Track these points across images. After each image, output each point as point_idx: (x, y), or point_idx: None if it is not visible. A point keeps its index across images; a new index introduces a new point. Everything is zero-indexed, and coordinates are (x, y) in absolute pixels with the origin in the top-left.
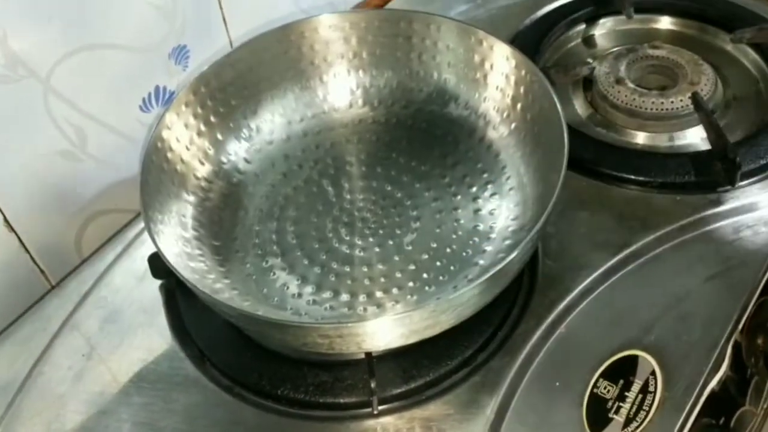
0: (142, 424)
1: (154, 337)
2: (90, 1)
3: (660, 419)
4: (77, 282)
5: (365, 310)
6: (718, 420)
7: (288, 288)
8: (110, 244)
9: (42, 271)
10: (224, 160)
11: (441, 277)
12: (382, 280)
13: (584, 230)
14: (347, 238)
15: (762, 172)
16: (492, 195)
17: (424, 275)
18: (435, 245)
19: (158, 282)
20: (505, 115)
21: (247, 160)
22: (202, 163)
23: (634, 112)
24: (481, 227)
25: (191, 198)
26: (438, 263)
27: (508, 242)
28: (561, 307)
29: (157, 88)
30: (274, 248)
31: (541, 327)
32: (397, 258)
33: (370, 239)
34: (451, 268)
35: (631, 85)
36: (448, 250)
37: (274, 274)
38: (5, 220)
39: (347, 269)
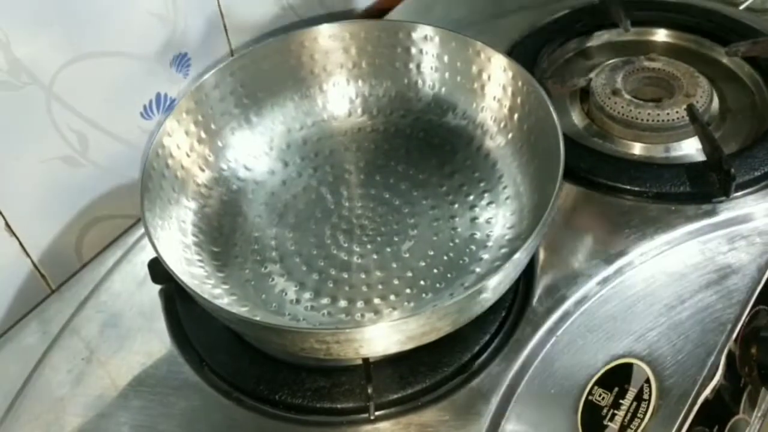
0: (141, 427)
1: (153, 342)
2: (92, 9)
3: (654, 427)
4: (77, 286)
5: (363, 316)
6: (711, 428)
7: (286, 294)
8: (110, 249)
9: (42, 276)
10: (224, 167)
11: (438, 285)
12: (380, 286)
13: (580, 239)
14: (345, 244)
15: (756, 184)
16: (489, 204)
17: (421, 282)
18: (432, 253)
19: (158, 287)
20: (502, 125)
21: (246, 167)
22: (203, 170)
23: (630, 123)
24: (478, 235)
25: (191, 204)
26: (435, 270)
27: (504, 250)
28: (557, 314)
29: (158, 96)
30: (273, 254)
31: (537, 334)
32: (394, 265)
33: (368, 246)
34: (448, 275)
35: (628, 97)
36: (445, 257)
37: (273, 280)
38: (6, 224)
39: (345, 276)
